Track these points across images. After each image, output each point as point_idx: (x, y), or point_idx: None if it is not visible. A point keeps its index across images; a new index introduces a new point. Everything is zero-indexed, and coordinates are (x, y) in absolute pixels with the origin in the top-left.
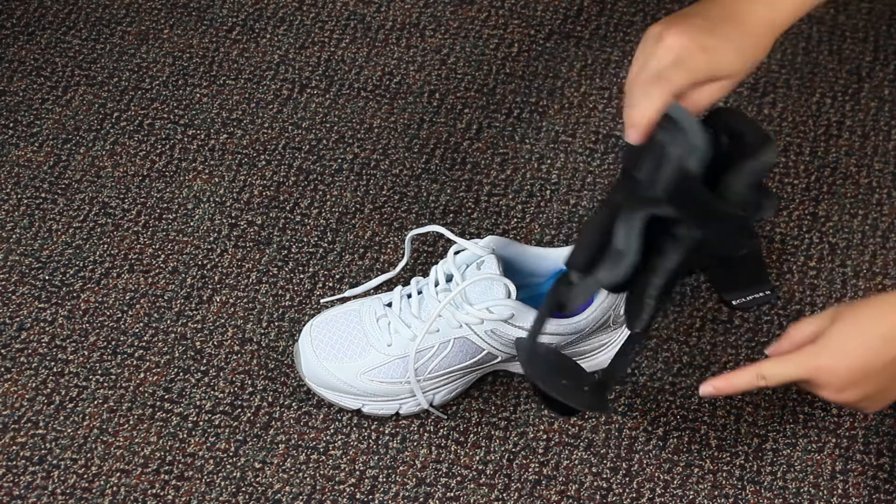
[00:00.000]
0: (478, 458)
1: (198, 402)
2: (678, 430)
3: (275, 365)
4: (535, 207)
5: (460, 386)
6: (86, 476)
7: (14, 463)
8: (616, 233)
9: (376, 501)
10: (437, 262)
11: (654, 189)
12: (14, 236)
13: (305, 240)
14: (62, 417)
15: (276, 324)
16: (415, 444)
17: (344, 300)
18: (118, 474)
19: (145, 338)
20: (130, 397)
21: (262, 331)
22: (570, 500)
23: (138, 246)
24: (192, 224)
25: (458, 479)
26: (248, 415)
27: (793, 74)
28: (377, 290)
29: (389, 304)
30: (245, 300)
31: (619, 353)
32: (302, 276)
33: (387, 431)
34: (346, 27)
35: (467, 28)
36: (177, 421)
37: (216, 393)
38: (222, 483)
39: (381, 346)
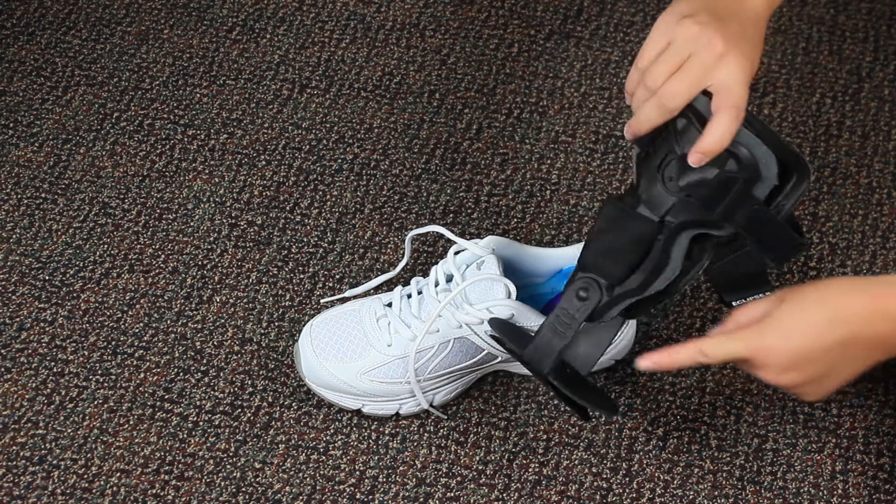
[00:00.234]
0: (478, 458)
1: (198, 403)
2: (678, 430)
3: (275, 365)
4: (535, 207)
5: (460, 386)
6: (86, 476)
7: (14, 463)
8: (673, 253)
9: (376, 501)
10: (437, 263)
11: (727, 218)
12: (14, 236)
13: (305, 240)
14: (62, 417)
15: (276, 324)
16: (415, 444)
17: (344, 300)
18: (118, 474)
19: (145, 338)
20: (130, 397)
21: (262, 331)
22: (570, 501)
23: (138, 246)
24: (192, 224)
25: (458, 479)
26: (248, 415)
27: (793, 74)
28: (377, 290)
29: (389, 305)
30: (245, 300)
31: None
32: (302, 276)
33: (387, 431)
34: (346, 27)
35: (467, 28)
36: (177, 421)
37: (216, 393)
38: (222, 483)
39: (381, 347)
